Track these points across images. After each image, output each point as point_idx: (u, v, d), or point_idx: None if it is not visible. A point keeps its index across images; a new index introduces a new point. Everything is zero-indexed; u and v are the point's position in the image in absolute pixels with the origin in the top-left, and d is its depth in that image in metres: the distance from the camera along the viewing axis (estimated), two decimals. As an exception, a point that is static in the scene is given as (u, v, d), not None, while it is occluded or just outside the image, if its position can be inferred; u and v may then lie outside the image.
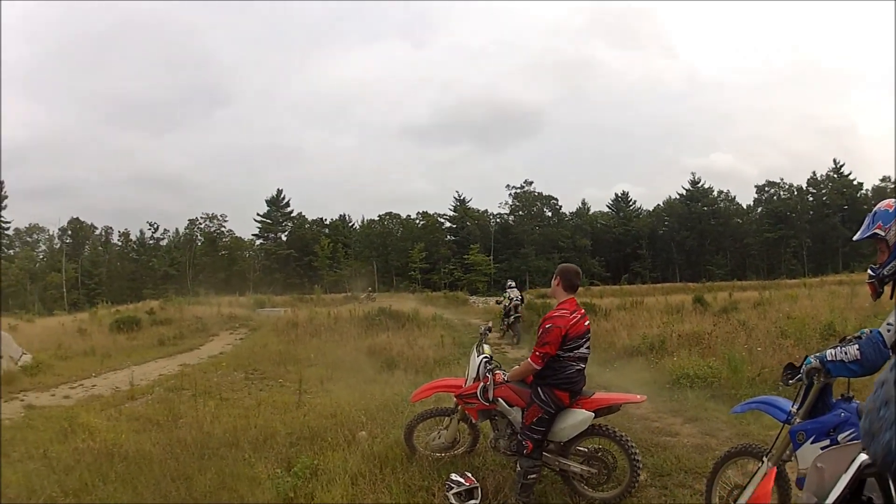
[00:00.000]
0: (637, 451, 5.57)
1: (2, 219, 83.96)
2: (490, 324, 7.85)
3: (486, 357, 6.23)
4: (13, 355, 16.12)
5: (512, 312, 19.56)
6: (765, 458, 4.18)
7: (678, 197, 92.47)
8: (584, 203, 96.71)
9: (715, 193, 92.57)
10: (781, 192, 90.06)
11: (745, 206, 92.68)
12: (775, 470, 4.11)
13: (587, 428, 5.50)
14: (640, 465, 5.56)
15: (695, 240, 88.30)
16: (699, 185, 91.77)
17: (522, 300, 20.50)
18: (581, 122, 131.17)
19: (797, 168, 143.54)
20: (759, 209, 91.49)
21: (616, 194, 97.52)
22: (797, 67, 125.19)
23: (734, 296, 28.60)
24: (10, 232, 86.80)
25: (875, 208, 3.55)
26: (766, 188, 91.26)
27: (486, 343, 6.65)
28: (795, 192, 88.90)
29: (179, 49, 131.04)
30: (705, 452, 6.69)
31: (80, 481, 6.74)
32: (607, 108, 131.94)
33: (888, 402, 1.94)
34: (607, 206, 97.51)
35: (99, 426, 9.15)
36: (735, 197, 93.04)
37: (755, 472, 4.18)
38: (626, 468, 5.52)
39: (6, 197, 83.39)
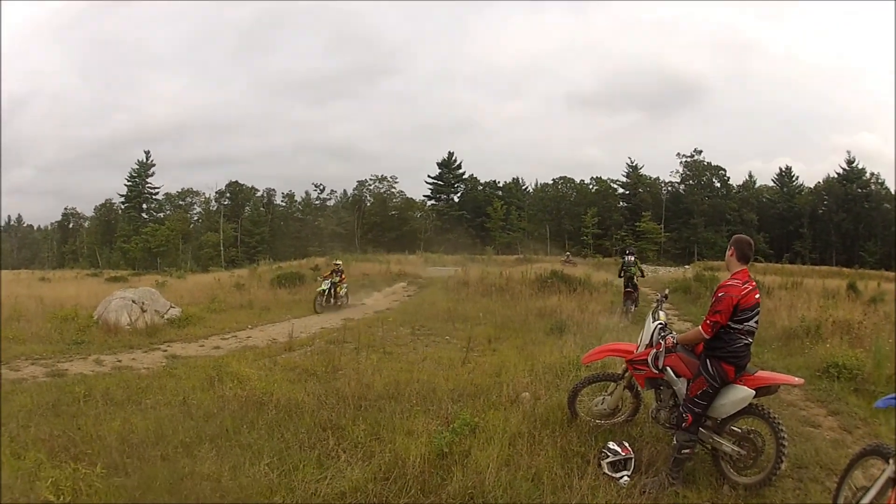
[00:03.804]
0: (786, 437, 5.81)
1: (149, 185, 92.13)
2: (667, 290, 8.43)
3: (661, 323, 6.55)
4: (159, 309, 16.76)
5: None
6: (891, 460, 4.39)
7: (835, 176, 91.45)
8: (750, 176, 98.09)
9: (867, 175, 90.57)
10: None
11: (893, 191, 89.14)
12: None
13: (744, 406, 5.82)
14: (786, 454, 5.76)
15: (850, 223, 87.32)
16: (853, 164, 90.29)
17: (636, 266, 18.96)
18: (741, 93, 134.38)
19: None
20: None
21: (780, 168, 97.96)
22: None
23: (882, 286, 29.53)
24: (160, 196, 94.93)
25: None
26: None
27: (661, 310, 6.97)
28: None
29: (345, 26, 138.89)
30: (840, 448, 7.04)
31: (220, 428, 6.83)
32: (764, 81, 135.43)
33: None
34: (772, 180, 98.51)
35: (250, 375, 9.20)
36: (885, 181, 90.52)
37: (879, 475, 4.48)
38: (771, 455, 5.77)
39: (153, 165, 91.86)
